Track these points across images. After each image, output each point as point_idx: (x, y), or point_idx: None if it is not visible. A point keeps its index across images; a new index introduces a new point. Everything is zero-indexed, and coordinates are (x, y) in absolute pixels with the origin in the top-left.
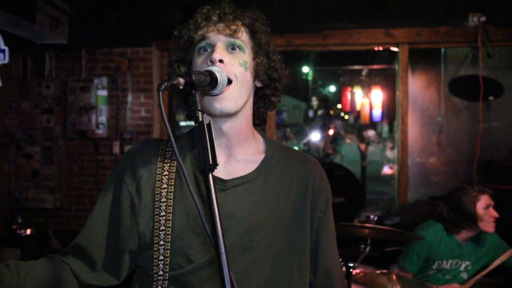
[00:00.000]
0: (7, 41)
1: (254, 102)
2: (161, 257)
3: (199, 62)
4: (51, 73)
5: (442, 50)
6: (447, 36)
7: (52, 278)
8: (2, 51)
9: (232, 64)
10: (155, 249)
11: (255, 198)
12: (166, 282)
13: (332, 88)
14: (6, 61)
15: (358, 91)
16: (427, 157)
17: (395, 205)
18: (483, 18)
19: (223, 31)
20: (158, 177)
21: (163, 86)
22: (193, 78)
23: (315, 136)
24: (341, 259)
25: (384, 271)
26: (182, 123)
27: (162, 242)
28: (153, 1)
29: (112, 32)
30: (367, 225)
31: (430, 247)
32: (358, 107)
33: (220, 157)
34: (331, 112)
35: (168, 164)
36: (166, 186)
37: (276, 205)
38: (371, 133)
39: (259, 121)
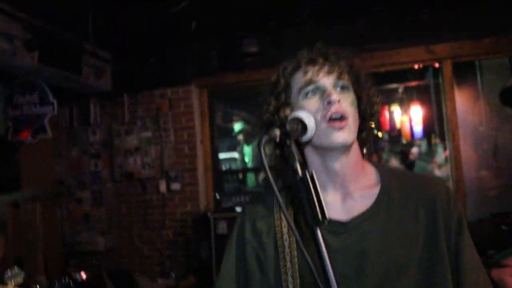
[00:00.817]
0: (54, 93)
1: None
2: None
3: (312, 105)
4: (96, 120)
5: (476, 62)
6: (491, 48)
7: None
8: (51, 104)
9: (345, 104)
10: None
11: (380, 233)
12: None
13: None
14: (55, 113)
15: (396, 109)
16: (481, 171)
17: None
18: None
19: (330, 73)
20: (278, 229)
21: (264, 141)
22: (287, 127)
23: None
24: None
25: None
26: (222, 155)
27: None
28: (187, 41)
29: (151, 75)
30: None
31: None
32: (398, 125)
33: (337, 198)
34: None
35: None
36: (287, 237)
37: (405, 236)
38: (414, 150)
39: (366, 152)
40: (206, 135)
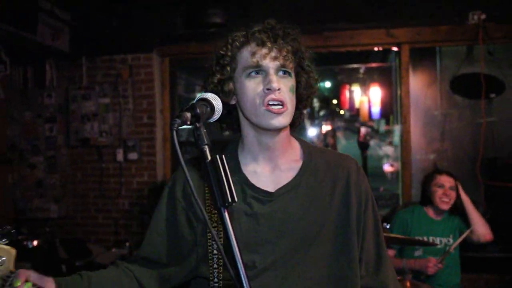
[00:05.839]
0: (7, 51)
1: None
2: (215, 266)
3: (252, 86)
4: (52, 82)
5: (437, 48)
6: (448, 35)
7: (118, 285)
8: (3, 62)
9: (284, 91)
10: (209, 258)
11: (300, 202)
12: None
13: (327, 84)
14: (8, 72)
15: (356, 89)
16: (429, 154)
17: (399, 205)
18: (483, 16)
19: (276, 58)
20: (207, 190)
21: (176, 125)
22: (197, 110)
23: (313, 133)
24: None
25: (398, 277)
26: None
27: (215, 252)
28: (152, 7)
29: (112, 40)
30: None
31: (404, 222)
32: (357, 104)
33: (266, 168)
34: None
35: None
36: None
37: (322, 205)
38: (368, 129)
39: (294, 128)
40: (166, 104)
